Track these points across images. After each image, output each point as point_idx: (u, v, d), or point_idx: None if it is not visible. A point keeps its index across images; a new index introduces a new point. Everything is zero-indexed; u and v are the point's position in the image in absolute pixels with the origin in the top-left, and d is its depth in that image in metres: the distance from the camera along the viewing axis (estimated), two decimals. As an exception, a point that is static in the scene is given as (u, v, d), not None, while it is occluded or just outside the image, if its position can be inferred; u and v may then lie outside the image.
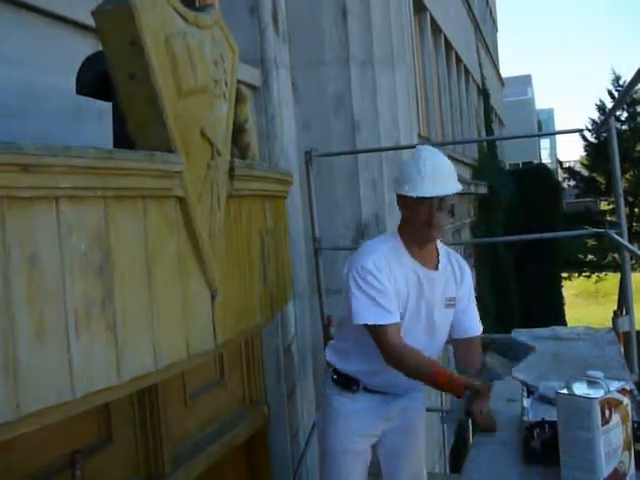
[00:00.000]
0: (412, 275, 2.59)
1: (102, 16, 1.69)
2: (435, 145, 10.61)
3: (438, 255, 2.68)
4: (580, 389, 1.62)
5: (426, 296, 2.59)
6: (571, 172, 30.72)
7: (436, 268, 2.64)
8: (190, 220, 1.86)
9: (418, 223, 2.56)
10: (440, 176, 2.55)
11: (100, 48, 1.79)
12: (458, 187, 2.59)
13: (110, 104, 1.94)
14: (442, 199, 2.54)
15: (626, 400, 1.63)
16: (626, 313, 3.69)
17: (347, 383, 2.72)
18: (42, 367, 1.37)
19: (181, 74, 1.81)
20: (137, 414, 2.73)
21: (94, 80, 1.95)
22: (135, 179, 1.62)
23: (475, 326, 2.73)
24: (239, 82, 2.73)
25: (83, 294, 1.46)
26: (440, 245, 2.73)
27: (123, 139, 1.80)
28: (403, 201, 2.60)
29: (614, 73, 27.51)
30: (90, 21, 1.77)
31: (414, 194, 2.51)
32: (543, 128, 41.26)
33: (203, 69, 1.93)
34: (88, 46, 2.27)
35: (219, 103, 2.04)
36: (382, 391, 2.69)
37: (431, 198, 2.52)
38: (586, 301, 28.36)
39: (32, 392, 1.34)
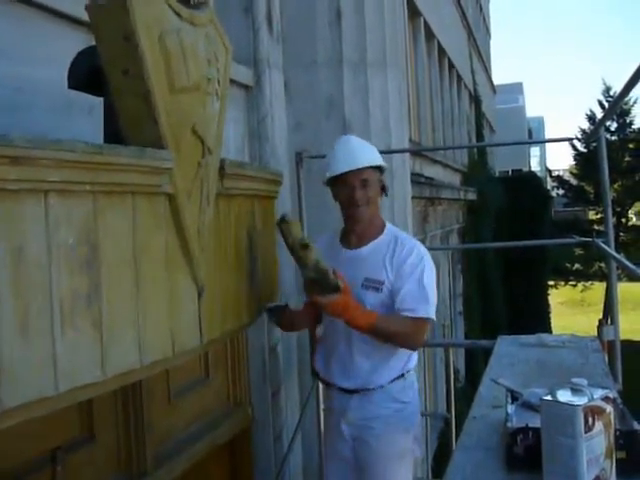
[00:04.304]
0: (331, 256, 2.68)
1: (96, 11, 1.68)
2: (426, 150, 10.63)
3: (376, 239, 2.71)
4: (564, 396, 1.63)
5: (346, 272, 2.60)
6: (560, 181, 30.91)
7: (361, 246, 2.70)
8: (179, 217, 1.85)
9: (344, 206, 2.70)
10: (349, 153, 2.67)
11: (93, 43, 1.78)
12: (368, 160, 2.65)
13: (101, 99, 1.93)
14: (356, 174, 2.63)
15: (609, 408, 1.64)
16: (611, 322, 3.71)
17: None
18: (26, 361, 1.36)
19: (174, 71, 1.81)
20: (120, 411, 2.72)
21: (86, 75, 1.94)
22: (125, 175, 1.61)
23: (398, 307, 2.58)
24: (232, 81, 2.73)
25: (69, 289, 1.45)
26: (392, 233, 2.74)
27: (114, 134, 1.80)
28: (331, 190, 2.75)
29: (605, 84, 27.77)
30: (83, 15, 1.76)
31: (329, 174, 2.68)
32: (533, 136, 41.45)
33: (196, 67, 1.92)
34: (81, 40, 2.25)
35: (211, 101, 2.04)
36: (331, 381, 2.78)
37: (346, 175, 2.63)
38: (572, 309, 28.49)
39: (15, 386, 1.34)
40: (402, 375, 2.69)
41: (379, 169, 2.72)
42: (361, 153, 2.67)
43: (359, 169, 2.63)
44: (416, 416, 2.75)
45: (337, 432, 2.75)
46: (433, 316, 2.62)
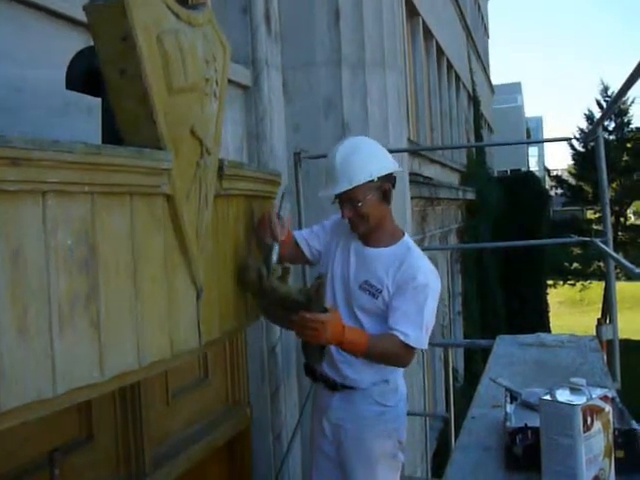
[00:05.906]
0: (346, 242, 2.67)
1: (94, 11, 1.67)
2: (424, 150, 10.63)
3: (386, 246, 2.62)
4: (563, 396, 1.63)
5: (351, 266, 2.62)
6: (559, 180, 30.99)
7: (369, 247, 2.62)
8: (177, 218, 1.85)
9: None
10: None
11: (91, 43, 1.78)
12: (349, 181, 2.47)
13: (99, 100, 1.93)
14: (339, 196, 2.54)
15: (608, 407, 1.64)
16: (610, 321, 3.72)
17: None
18: (24, 363, 1.35)
19: (172, 71, 1.80)
20: (119, 413, 2.72)
21: (84, 75, 1.94)
22: (123, 175, 1.61)
23: (392, 325, 2.47)
24: (230, 81, 2.72)
25: (67, 290, 1.45)
26: (406, 247, 2.62)
27: (112, 135, 1.79)
28: None
29: (603, 83, 27.83)
30: (81, 16, 1.76)
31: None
32: (532, 136, 41.36)
33: (194, 67, 1.92)
34: (79, 41, 2.25)
35: (209, 101, 2.04)
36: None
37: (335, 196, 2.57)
38: (571, 309, 28.53)
39: (13, 388, 1.33)
40: (386, 380, 2.62)
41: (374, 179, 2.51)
42: (346, 171, 2.47)
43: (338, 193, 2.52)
44: (399, 421, 2.66)
45: (320, 429, 2.74)
46: (425, 346, 2.50)
